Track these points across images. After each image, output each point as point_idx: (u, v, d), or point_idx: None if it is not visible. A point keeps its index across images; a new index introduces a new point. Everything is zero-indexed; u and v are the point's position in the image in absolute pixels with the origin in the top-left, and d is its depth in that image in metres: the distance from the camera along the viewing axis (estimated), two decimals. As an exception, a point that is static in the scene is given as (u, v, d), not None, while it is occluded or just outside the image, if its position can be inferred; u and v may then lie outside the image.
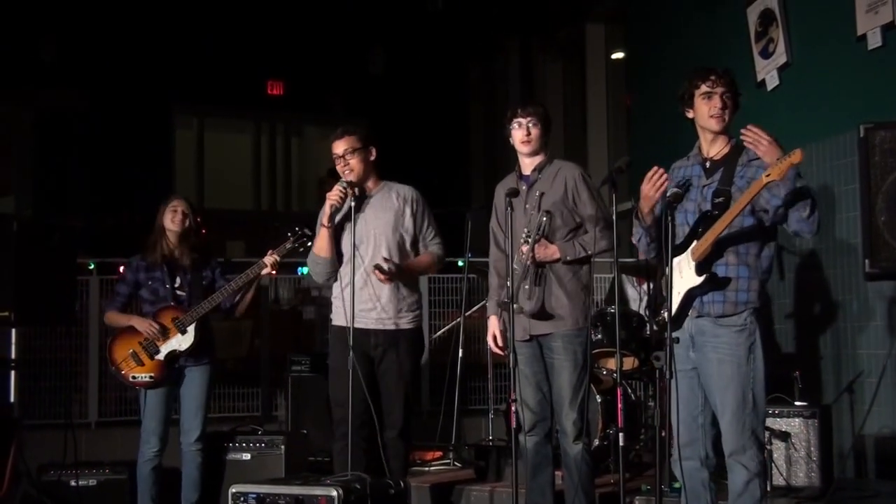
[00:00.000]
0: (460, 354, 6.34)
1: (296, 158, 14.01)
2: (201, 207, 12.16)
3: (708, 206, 3.73)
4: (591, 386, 5.01)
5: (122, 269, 5.45)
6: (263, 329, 7.61)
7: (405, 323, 4.83)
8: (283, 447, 5.50)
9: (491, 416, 6.40)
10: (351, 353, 4.57)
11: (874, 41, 5.52)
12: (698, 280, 3.70)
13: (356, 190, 4.78)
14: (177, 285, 5.30)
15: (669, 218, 3.64)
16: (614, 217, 3.92)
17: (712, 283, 3.69)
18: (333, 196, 4.73)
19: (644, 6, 8.66)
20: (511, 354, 4.29)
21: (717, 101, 3.73)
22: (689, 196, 3.80)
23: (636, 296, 6.11)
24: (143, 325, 5.18)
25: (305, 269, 7.22)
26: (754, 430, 3.67)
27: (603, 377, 5.60)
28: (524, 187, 4.46)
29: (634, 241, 4.02)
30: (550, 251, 4.35)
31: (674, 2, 7.94)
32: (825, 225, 3.70)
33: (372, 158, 4.87)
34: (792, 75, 6.27)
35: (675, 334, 3.67)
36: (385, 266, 4.69)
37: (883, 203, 4.39)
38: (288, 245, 5.15)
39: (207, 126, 13.35)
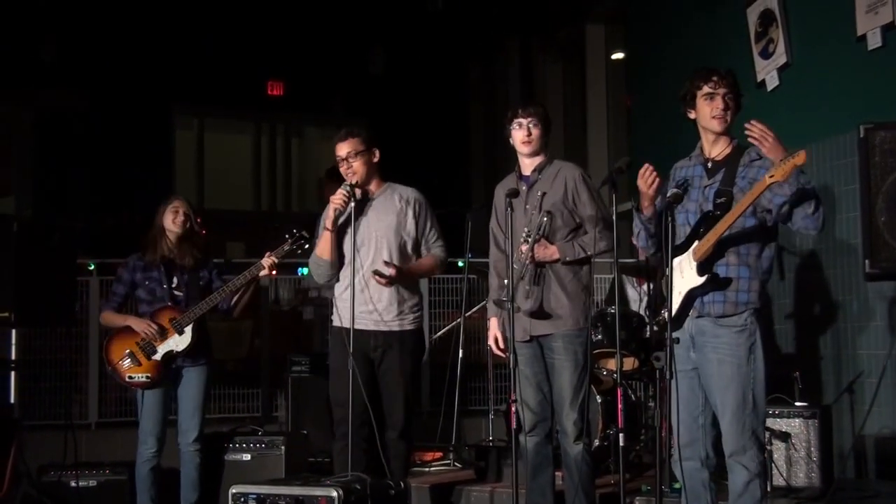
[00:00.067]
0: (460, 355, 6.34)
1: (296, 159, 14.01)
2: (201, 208, 12.18)
3: (710, 207, 3.74)
4: (592, 386, 5.00)
5: (118, 268, 5.44)
6: (263, 330, 7.62)
7: (405, 324, 4.83)
8: (283, 448, 5.50)
9: (491, 416, 6.40)
10: (351, 353, 4.57)
11: (874, 41, 5.52)
12: (699, 280, 3.70)
13: (358, 193, 4.78)
14: (174, 285, 5.29)
15: (670, 218, 3.64)
16: (614, 218, 3.93)
17: (713, 283, 3.69)
18: (337, 200, 4.73)
19: (644, 7, 8.66)
20: (511, 355, 4.29)
21: (719, 103, 3.73)
22: (690, 196, 3.80)
23: (636, 296, 6.11)
24: (141, 326, 5.18)
25: (305, 270, 7.23)
26: (754, 430, 3.67)
27: (603, 378, 5.59)
28: (524, 188, 4.46)
29: (634, 238, 4.03)
30: (550, 251, 4.35)
31: (674, 2, 7.93)
32: (825, 225, 3.70)
33: (375, 160, 4.87)
34: (792, 76, 6.27)
35: (675, 334, 3.67)
36: (385, 271, 4.70)
37: (883, 203, 4.38)
38: (286, 247, 5.16)
39: (207, 126, 13.36)
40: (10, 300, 5.02)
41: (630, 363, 5.47)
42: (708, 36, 7.21)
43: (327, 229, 4.79)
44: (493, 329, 4.53)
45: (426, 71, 12.08)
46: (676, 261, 3.75)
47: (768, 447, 4.66)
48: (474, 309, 6.68)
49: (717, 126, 3.76)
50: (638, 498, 4.75)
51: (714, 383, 3.71)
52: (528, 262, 4.32)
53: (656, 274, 5.01)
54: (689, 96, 3.80)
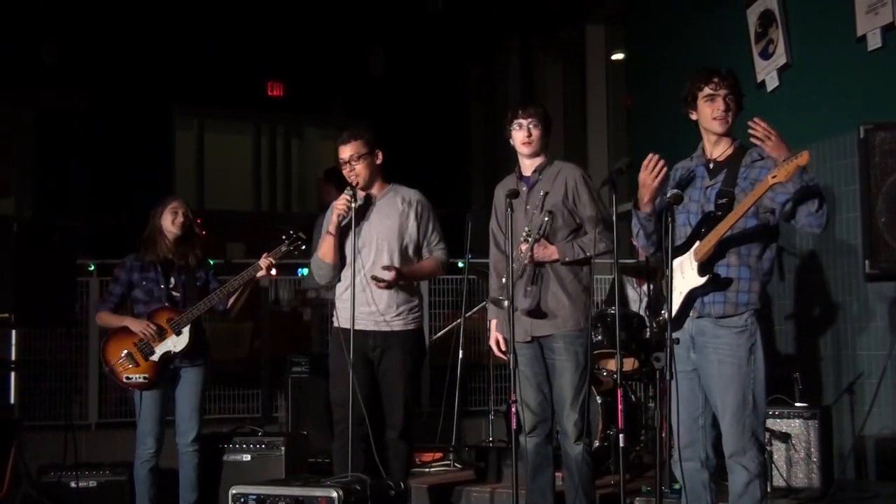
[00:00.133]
0: (460, 355, 6.34)
1: (296, 159, 14.00)
2: (201, 208, 12.18)
3: (711, 207, 3.74)
4: (592, 387, 5.00)
5: (115, 269, 5.44)
6: (263, 330, 7.62)
7: (404, 324, 4.84)
8: (283, 448, 5.50)
9: (491, 417, 6.40)
10: (351, 354, 4.58)
11: (874, 42, 5.52)
12: (701, 281, 3.70)
13: (361, 198, 4.79)
14: (171, 286, 5.29)
15: (670, 219, 3.64)
16: (614, 218, 3.92)
17: (714, 283, 3.69)
18: (341, 206, 4.74)
19: (644, 7, 8.66)
20: (511, 356, 4.29)
21: (720, 104, 3.73)
22: (692, 197, 3.80)
23: (636, 297, 6.10)
24: (139, 326, 5.18)
25: (305, 271, 7.23)
26: (754, 431, 3.67)
27: (603, 378, 5.59)
28: (524, 188, 4.46)
29: (634, 238, 4.02)
30: (549, 252, 4.35)
31: (674, 3, 7.94)
32: (828, 224, 3.71)
33: (378, 162, 4.87)
34: (792, 76, 6.28)
35: (675, 335, 3.67)
36: (384, 276, 4.70)
37: (883, 204, 4.38)
38: (283, 248, 5.19)
39: (207, 127, 13.34)
40: (10, 301, 5.03)
41: (630, 364, 5.47)
42: (708, 36, 7.21)
43: (330, 234, 4.80)
44: (494, 331, 4.54)
45: (426, 71, 12.07)
46: (677, 261, 3.75)
47: (768, 448, 4.67)
48: (474, 310, 6.68)
49: (718, 127, 3.76)
50: (638, 498, 4.76)
51: (714, 384, 3.71)
52: (526, 261, 4.32)
53: (656, 274, 5.01)
54: (690, 98, 3.80)
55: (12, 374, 5.42)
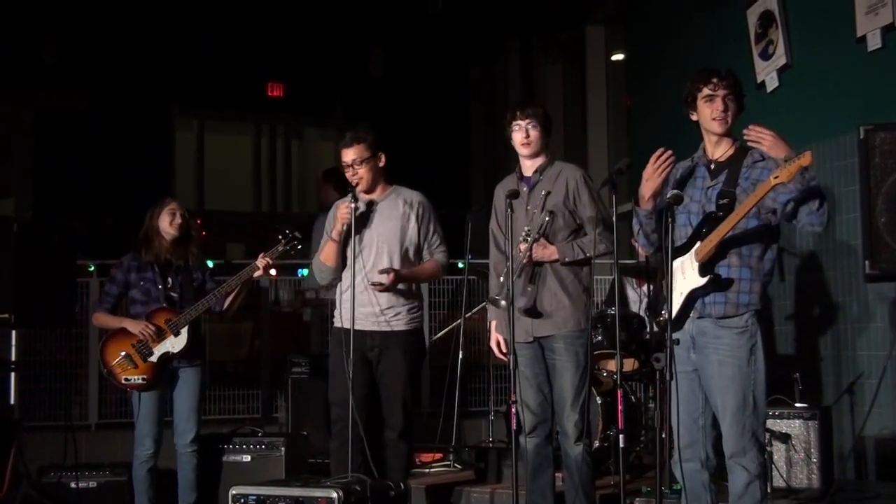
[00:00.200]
0: (460, 356, 6.34)
1: (296, 160, 13.99)
2: (201, 209, 12.19)
3: (712, 208, 3.73)
4: (592, 388, 5.00)
5: (112, 269, 5.44)
6: (263, 331, 7.61)
7: (403, 325, 4.85)
8: (283, 449, 5.50)
9: (491, 417, 6.40)
10: (351, 354, 4.59)
11: (874, 43, 5.52)
12: (702, 281, 3.70)
13: (362, 205, 4.79)
14: (169, 286, 5.29)
15: (670, 219, 3.64)
16: (614, 219, 3.92)
17: (716, 284, 3.69)
18: (345, 215, 4.74)
19: (644, 8, 8.67)
20: (511, 356, 4.29)
21: (718, 104, 3.73)
22: (693, 197, 3.80)
23: (636, 297, 6.11)
24: (139, 327, 5.17)
25: (305, 272, 7.23)
26: (755, 431, 3.67)
27: (603, 379, 5.59)
28: (525, 189, 4.46)
29: (634, 238, 4.02)
30: (549, 252, 4.35)
31: (674, 3, 7.94)
32: (829, 223, 3.71)
33: (381, 164, 4.88)
34: (792, 77, 6.28)
35: (675, 335, 3.66)
36: (381, 279, 4.71)
37: (883, 204, 4.38)
38: (279, 248, 5.21)
39: (207, 128, 13.34)
40: (10, 301, 5.03)
41: (630, 364, 5.47)
42: (708, 37, 7.22)
43: (333, 241, 4.81)
44: (495, 332, 4.54)
45: (426, 72, 12.07)
46: (678, 261, 3.75)
47: (768, 448, 4.67)
48: (474, 310, 6.67)
49: (717, 128, 3.76)
50: (638, 499, 4.76)
51: (715, 384, 3.71)
52: (524, 260, 4.32)
53: (656, 275, 5.01)
54: (690, 98, 3.79)
55: (12, 374, 5.42)
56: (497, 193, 4.58)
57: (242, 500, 4.43)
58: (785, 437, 4.81)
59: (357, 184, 4.81)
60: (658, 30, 8.26)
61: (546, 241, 4.36)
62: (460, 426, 6.44)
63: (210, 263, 5.67)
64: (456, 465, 6.04)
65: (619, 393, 3.97)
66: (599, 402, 5.39)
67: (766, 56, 6.46)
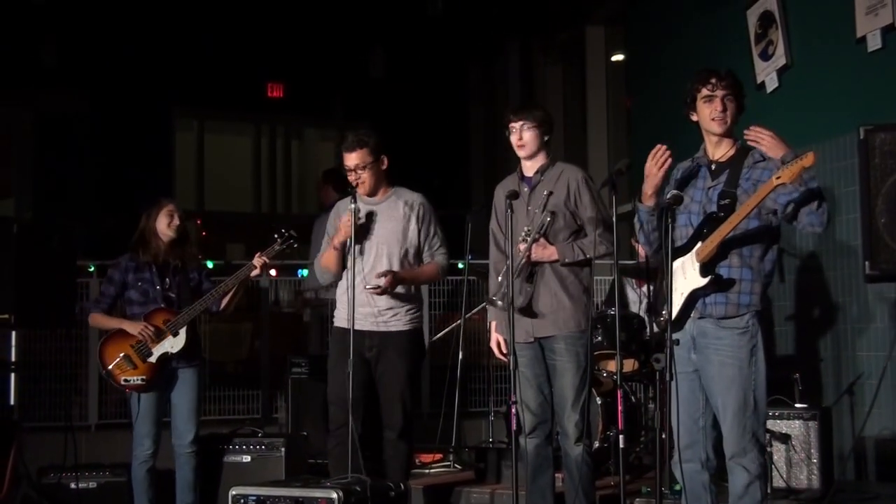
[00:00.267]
0: (460, 356, 6.34)
1: (296, 161, 13.99)
2: (201, 210, 12.18)
3: (713, 208, 3.73)
4: (592, 388, 5.00)
5: (109, 269, 5.43)
6: (263, 331, 7.61)
7: (401, 325, 4.85)
8: (283, 449, 5.50)
9: (491, 418, 6.40)
10: (350, 355, 4.59)
11: (874, 43, 5.52)
12: (703, 281, 3.70)
13: (362, 217, 4.80)
14: (167, 287, 5.29)
15: (669, 220, 3.64)
16: (614, 220, 3.92)
17: (716, 284, 3.69)
18: (347, 229, 4.74)
19: (644, 8, 8.67)
20: (511, 356, 4.29)
21: (717, 105, 3.73)
22: (693, 197, 3.80)
23: (636, 298, 6.10)
24: (138, 328, 5.17)
25: (305, 272, 7.23)
26: (755, 432, 3.67)
27: (603, 379, 5.59)
28: (526, 189, 4.47)
29: (635, 237, 4.01)
30: (549, 252, 4.36)
31: (674, 4, 7.94)
32: (829, 224, 3.71)
33: (383, 168, 4.89)
34: (791, 77, 6.28)
35: (675, 336, 3.67)
36: (380, 283, 4.71)
37: (883, 205, 4.38)
38: (276, 247, 5.23)
39: (207, 128, 13.33)
40: (11, 302, 5.02)
41: (630, 365, 5.47)
42: (708, 38, 7.22)
43: (335, 248, 4.82)
44: (494, 333, 4.54)
45: (426, 73, 12.07)
46: (679, 262, 3.75)
47: (768, 449, 4.67)
48: (474, 310, 6.68)
49: (716, 128, 3.76)
50: (638, 499, 4.76)
51: (715, 385, 3.71)
52: (523, 260, 4.32)
53: (657, 275, 5.01)
54: (690, 99, 3.80)
55: (12, 375, 5.41)
56: (497, 194, 4.59)
57: (242, 501, 4.43)
58: (785, 438, 4.81)
59: (357, 184, 4.81)
60: (658, 30, 8.26)
61: (546, 241, 4.36)
62: (460, 426, 6.44)
63: (210, 264, 5.67)
64: (456, 465, 6.04)
65: (619, 393, 3.97)
66: (599, 402, 5.39)
67: (765, 56, 6.46)
